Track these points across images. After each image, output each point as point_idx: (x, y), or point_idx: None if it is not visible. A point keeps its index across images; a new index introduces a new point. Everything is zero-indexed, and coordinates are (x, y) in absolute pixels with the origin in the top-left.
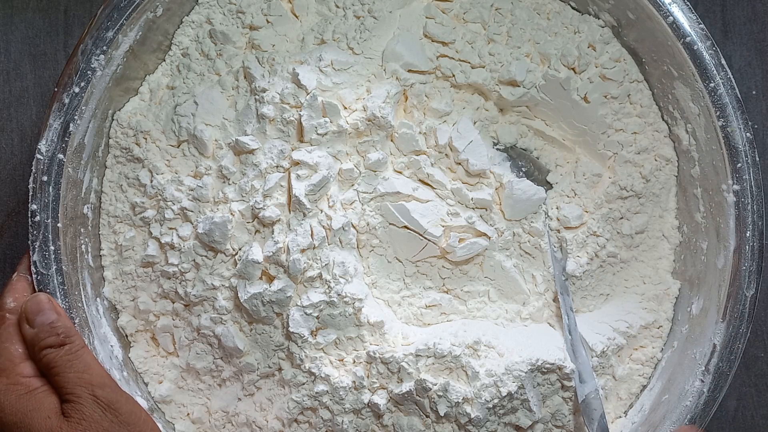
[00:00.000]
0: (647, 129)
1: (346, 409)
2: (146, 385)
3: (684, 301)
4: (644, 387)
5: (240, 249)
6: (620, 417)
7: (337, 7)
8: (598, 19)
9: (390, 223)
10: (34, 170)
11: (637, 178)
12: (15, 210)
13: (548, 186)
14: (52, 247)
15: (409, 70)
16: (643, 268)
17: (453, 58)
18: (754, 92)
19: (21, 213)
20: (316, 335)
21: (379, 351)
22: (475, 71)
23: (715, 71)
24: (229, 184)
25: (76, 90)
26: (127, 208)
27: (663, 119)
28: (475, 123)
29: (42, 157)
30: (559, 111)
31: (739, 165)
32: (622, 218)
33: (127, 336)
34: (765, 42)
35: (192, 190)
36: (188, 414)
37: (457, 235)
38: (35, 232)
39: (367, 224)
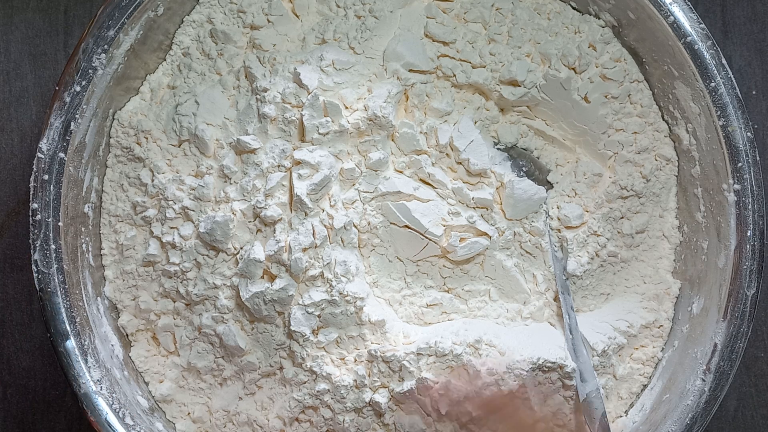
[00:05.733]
0: (647, 129)
1: (348, 408)
2: (147, 384)
3: (685, 300)
4: (645, 386)
5: (241, 248)
6: (621, 416)
7: (338, 6)
8: (599, 19)
9: (391, 223)
10: (35, 169)
11: (638, 178)
12: (15, 210)
13: (549, 186)
14: (52, 246)
15: (410, 70)
16: (643, 267)
17: (454, 58)
18: (754, 92)
19: (21, 213)
20: (317, 334)
21: (380, 350)
22: (475, 71)
23: (715, 71)
24: (231, 184)
25: (77, 89)
26: (128, 208)
27: (663, 119)
28: (475, 123)
29: (43, 156)
30: (560, 111)
31: (740, 164)
32: (622, 218)
33: (127, 335)
34: (765, 42)
35: (193, 189)
36: (189, 413)
37: (457, 234)
38: (36, 230)
39: (369, 223)
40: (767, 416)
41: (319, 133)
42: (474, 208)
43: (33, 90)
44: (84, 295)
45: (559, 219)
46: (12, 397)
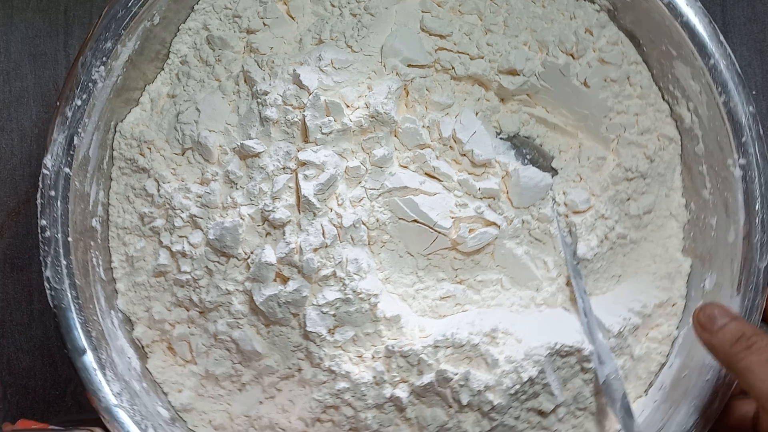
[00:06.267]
0: (648, 110)
1: (369, 405)
2: (166, 395)
3: (696, 277)
4: (663, 365)
5: (252, 252)
6: (641, 396)
7: (333, 6)
8: (594, 3)
9: (399, 218)
10: (41, 185)
11: (642, 159)
12: (15, 210)
13: (553, 172)
14: (63, 262)
15: (409, 65)
16: (653, 247)
17: (451, 51)
18: (754, 92)
19: (21, 213)
20: (333, 333)
21: (397, 345)
22: (474, 62)
23: (713, 48)
24: (237, 189)
25: (78, 103)
26: (136, 219)
27: (664, 99)
28: (477, 114)
29: (48, 172)
30: (560, 97)
31: (744, 139)
32: (629, 199)
33: (143, 347)
34: (765, 42)
35: (200, 197)
36: (210, 421)
37: (466, 225)
38: (46, 247)
39: (377, 220)
40: None
41: (323, 133)
42: (481, 198)
43: (33, 90)
44: (98, 310)
45: (566, 204)
46: (12, 397)
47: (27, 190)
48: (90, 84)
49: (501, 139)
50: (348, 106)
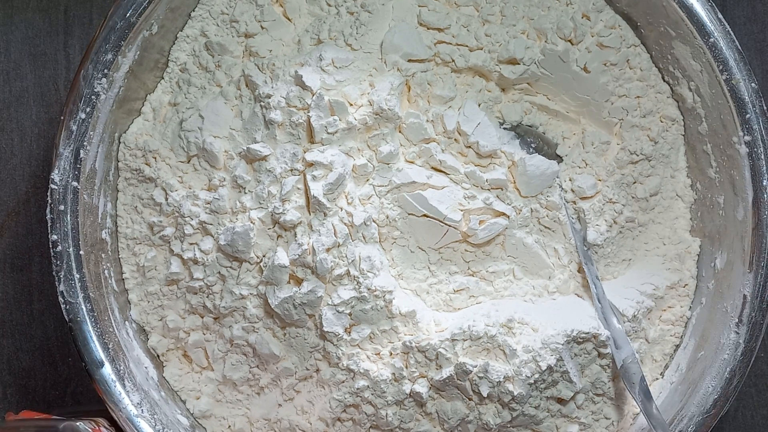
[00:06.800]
0: (650, 92)
1: (389, 402)
2: (184, 402)
3: (706, 257)
4: (677, 346)
5: (264, 256)
6: (657, 379)
7: (329, 5)
8: None
9: (409, 213)
10: (49, 200)
11: (645, 141)
12: (15, 210)
13: (559, 159)
14: (76, 276)
15: (409, 60)
16: (661, 229)
17: (450, 44)
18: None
19: (21, 213)
20: (350, 332)
21: (414, 340)
22: (473, 54)
23: (712, 26)
24: (245, 193)
25: (83, 116)
26: (145, 229)
27: (664, 80)
28: (479, 105)
29: (56, 187)
30: (561, 84)
31: (748, 116)
32: (635, 182)
33: (158, 356)
34: (765, 42)
35: (208, 203)
36: (230, 426)
37: (476, 217)
38: (59, 262)
39: (387, 217)
40: (767, 416)
41: (328, 133)
42: (489, 189)
43: (33, 90)
44: (113, 321)
45: (573, 191)
46: (12, 397)
47: (27, 190)
48: (93, 97)
49: (504, 129)
50: (352, 105)
